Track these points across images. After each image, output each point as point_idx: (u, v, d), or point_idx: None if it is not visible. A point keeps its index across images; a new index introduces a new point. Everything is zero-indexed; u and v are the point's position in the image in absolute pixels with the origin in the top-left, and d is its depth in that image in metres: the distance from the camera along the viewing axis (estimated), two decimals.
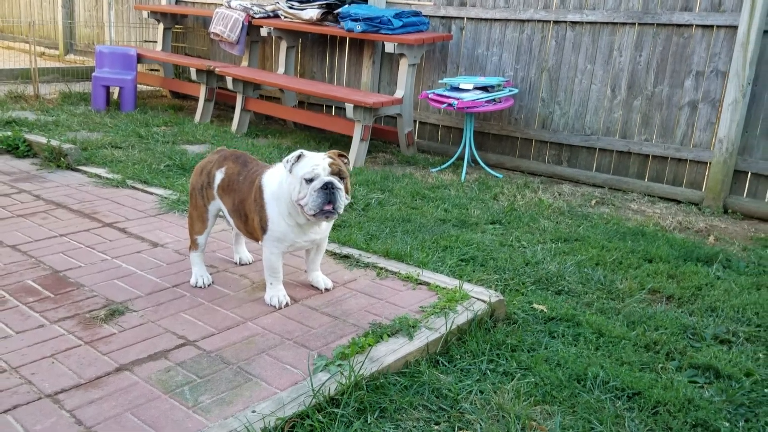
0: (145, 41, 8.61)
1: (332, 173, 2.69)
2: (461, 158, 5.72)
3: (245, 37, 6.86)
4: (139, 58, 7.26)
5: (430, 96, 5.52)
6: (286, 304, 2.91)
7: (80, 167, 5.05)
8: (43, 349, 2.46)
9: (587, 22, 5.39)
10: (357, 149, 5.58)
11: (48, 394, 2.17)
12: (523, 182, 5.43)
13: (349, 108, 5.52)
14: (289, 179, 2.71)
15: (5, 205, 4.15)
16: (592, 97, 5.47)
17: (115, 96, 7.10)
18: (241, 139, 6.21)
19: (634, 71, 5.24)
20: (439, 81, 5.79)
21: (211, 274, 3.21)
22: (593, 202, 5.02)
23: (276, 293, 2.92)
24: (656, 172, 5.26)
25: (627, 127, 5.34)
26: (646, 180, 5.31)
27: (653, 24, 5.09)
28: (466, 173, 5.54)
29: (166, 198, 4.38)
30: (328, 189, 2.65)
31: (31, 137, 5.50)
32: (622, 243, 4.07)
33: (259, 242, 2.93)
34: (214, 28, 6.95)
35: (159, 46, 7.99)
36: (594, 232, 4.27)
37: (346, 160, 2.82)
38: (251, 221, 2.86)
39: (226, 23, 6.83)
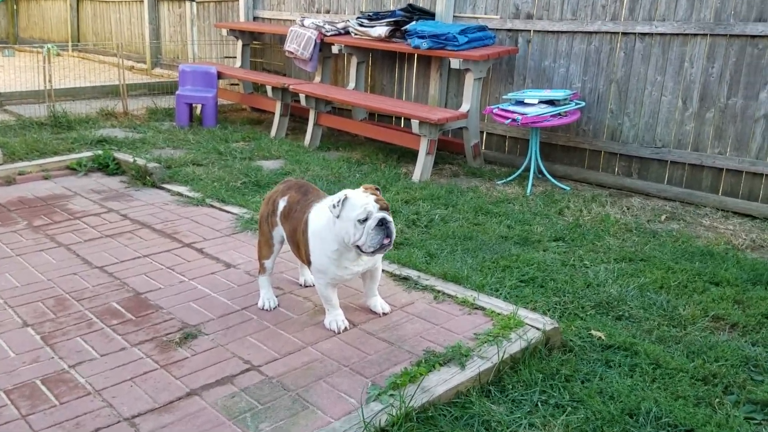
0: (226, 57, 9.01)
1: (381, 208, 2.82)
2: (527, 170, 5.72)
3: (318, 54, 7.10)
4: (219, 75, 7.63)
5: (494, 111, 5.55)
6: (345, 329, 3.06)
7: (164, 185, 5.38)
8: (123, 373, 2.70)
9: (657, 34, 5.27)
10: (423, 163, 5.68)
11: (126, 417, 2.40)
12: (590, 195, 5.38)
13: (414, 124, 5.63)
14: (338, 223, 2.83)
15: (96, 225, 4.51)
16: (663, 108, 5.35)
17: (198, 112, 7.49)
18: (313, 153, 6.44)
19: (706, 83, 5.09)
20: (503, 96, 5.81)
21: (276, 296, 3.40)
22: (663, 217, 4.93)
23: (334, 318, 3.07)
24: (730, 186, 5.09)
25: (699, 140, 5.20)
26: (719, 194, 5.15)
27: (726, 35, 4.93)
28: (533, 185, 5.54)
29: (240, 217, 4.63)
30: (383, 225, 2.79)
31: (120, 155, 5.91)
32: (689, 264, 4.00)
33: None
34: (289, 46, 7.22)
35: (238, 62, 8.36)
36: (661, 252, 4.20)
37: (379, 192, 2.94)
38: (301, 251, 3.04)
39: (299, 42, 7.08)
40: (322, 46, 7.08)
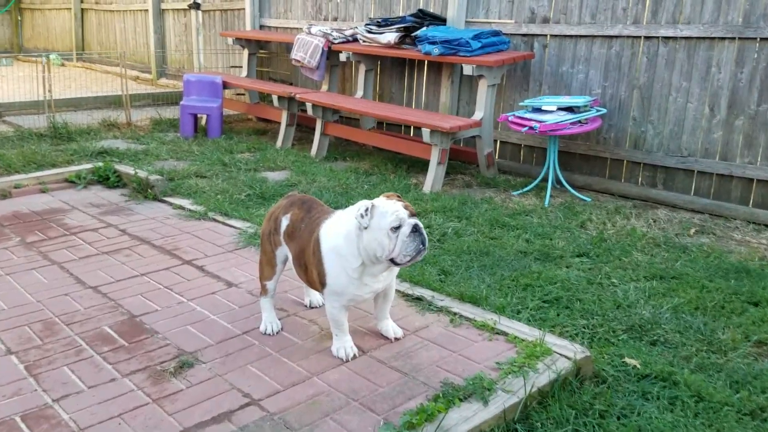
0: (232, 66, 8.81)
1: (411, 214, 2.58)
2: (545, 180, 5.45)
3: (325, 62, 6.87)
4: (225, 85, 7.42)
5: (510, 119, 5.29)
6: (354, 356, 2.81)
7: (166, 198, 5.16)
8: (111, 408, 2.46)
9: (682, 38, 5.01)
10: (434, 173, 5.43)
11: None
12: (613, 207, 5.10)
13: (425, 132, 5.39)
14: (366, 235, 2.57)
15: (92, 241, 4.28)
16: (689, 116, 5.07)
17: (203, 122, 7.28)
18: (320, 163, 6.20)
19: (735, 89, 4.82)
20: (520, 103, 5.55)
21: (280, 318, 3.16)
22: (692, 230, 4.64)
23: (342, 344, 2.82)
24: (762, 197, 4.80)
25: (728, 149, 4.92)
26: (750, 206, 4.86)
27: (756, 38, 4.66)
28: (551, 196, 5.27)
29: (243, 231, 4.39)
30: (417, 230, 2.55)
31: (121, 168, 5.69)
32: (724, 282, 3.71)
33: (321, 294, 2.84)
34: (295, 54, 7.00)
35: (244, 72, 8.15)
36: (693, 269, 3.92)
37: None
38: (311, 273, 2.78)
39: (306, 50, 6.86)
40: (330, 54, 6.85)
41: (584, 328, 3.20)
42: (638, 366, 2.84)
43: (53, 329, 3.09)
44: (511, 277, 3.73)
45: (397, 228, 2.53)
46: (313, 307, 3.31)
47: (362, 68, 6.75)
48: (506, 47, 5.90)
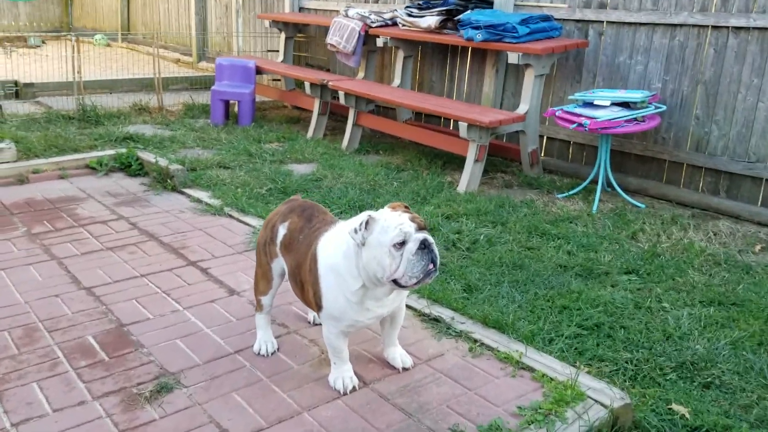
0: (268, 51, 8.51)
1: (419, 228, 2.18)
2: (594, 182, 4.96)
3: (362, 48, 6.48)
4: (258, 70, 7.11)
5: (557, 114, 4.81)
6: (353, 388, 2.44)
7: (185, 190, 4.90)
8: None
9: (755, 28, 4.42)
10: (470, 171, 4.99)
11: None
12: (669, 216, 4.58)
13: (462, 127, 4.95)
14: (365, 253, 2.19)
15: (99, 235, 4.03)
16: (759, 117, 4.49)
17: (236, 109, 6.99)
18: (350, 156, 5.83)
19: None
20: (569, 97, 5.05)
21: (278, 336, 2.82)
22: (758, 247, 4.10)
23: (341, 374, 2.45)
24: None
25: None
26: None
27: None
28: (600, 201, 4.78)
29: (257, 230, 4.07)
30: (426, 247, 2.16)
31: (144, 155, 5.45)
32: None
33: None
34: (331, 39, 6.63)
35: (280, 56, 7.83)
36: (757, 294, 3.41)
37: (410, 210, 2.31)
38: (307, 292, 2.41)
39: (342, 34, 6.48)
40: (367, 39, 6.45)
41: (627, 362, 2.76)
42: (687, 415, 2.40)
43: (33, 336, 2.83)
44: (546, 296, 3.29)
45: (401, 244, 2.14)
46: (316, 324, 2.96)
47: (401, 55, 6.34)
48: (557, 34, 5.40)
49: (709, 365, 2.76)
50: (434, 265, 2.19)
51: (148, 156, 5.41)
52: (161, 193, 4.89)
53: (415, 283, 2.18)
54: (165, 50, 11.19)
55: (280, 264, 2.61)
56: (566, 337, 2.90)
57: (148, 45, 11.49)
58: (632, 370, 2.71)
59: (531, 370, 2.56)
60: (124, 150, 5.53)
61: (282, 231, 2.55)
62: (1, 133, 5.28)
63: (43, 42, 11.58)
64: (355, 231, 2.16)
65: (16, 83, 7.66)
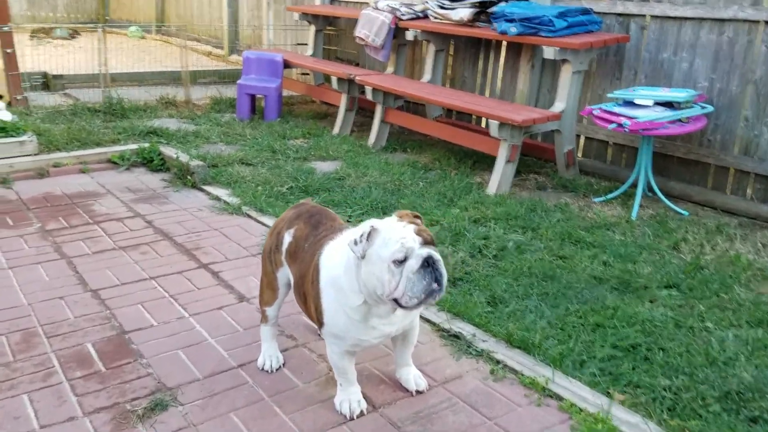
0: (298, 44, 8.34)
1: (425, 242, 1.96)
2: (634, 186, 4.65)
3: (391, 41, 6.25)
4: (286, 64, 6.94)
5: (595, 113, 4.52)
6: (361, 413, 2.24)
7: (205, 186, 4.77)
8: None
9: None
10: (501, 173, 4.74)
11: None
12: (714, 225, 4.26)
13: (493, 125, 4.70)
14: (364, 267, 1.99)
15: (113, 233, 3.92)
16: None
17: (263, 103, 6.84)
18: (376, 154, 5.62)
19: None
20: (609, 95, 4.75)
21: (285, 350, 2.64)
22: None
23: (347, 397, 2.25)
24: None
25: None
26: None
27: None
28: (640, 207, 4.48)
29: None
30: (430, 265, 1.94)
31: (166, 150, 5.33)
32: None
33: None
34: (359, 32, 6.42)
35: (309, 50, 7.65)
36: None
37: (420, 221, 2.08)
38: (309, 306, 2.21)
39: (371, 27, 6.27)
40: (397, 32, 6.22)
41: (665, 390, 2.50)
42: None
43: (31, 342, 2.70)
44: (578, 312, 3.04)
45: (402, 261, 1.92)
46: None
47: (431, 49, 6.09)
48: (597, 28, 5.09)
49: (757, 396, 2.48)
50: (439, 285, 1.96)
51: (169, 151, 5.29)
52: (181, 189, 4.77)
53: (417, 304, 1.96)
54: (197, 43, 11.12)
55: (285, 273, 2.42)
56: (599, 360, 2.65)
57: (181, 38, 11.46)
58: (671, 399, 2.45)
59: (558, 398, 2.33)
60: (147, 144, 5.42)
61: (287, 238, 2.36)
62: (23, 126, 5.21)
63: (76, 33, 11.62)
64: (355, 242, 1.95)
65: (44, 75, 7.64)
